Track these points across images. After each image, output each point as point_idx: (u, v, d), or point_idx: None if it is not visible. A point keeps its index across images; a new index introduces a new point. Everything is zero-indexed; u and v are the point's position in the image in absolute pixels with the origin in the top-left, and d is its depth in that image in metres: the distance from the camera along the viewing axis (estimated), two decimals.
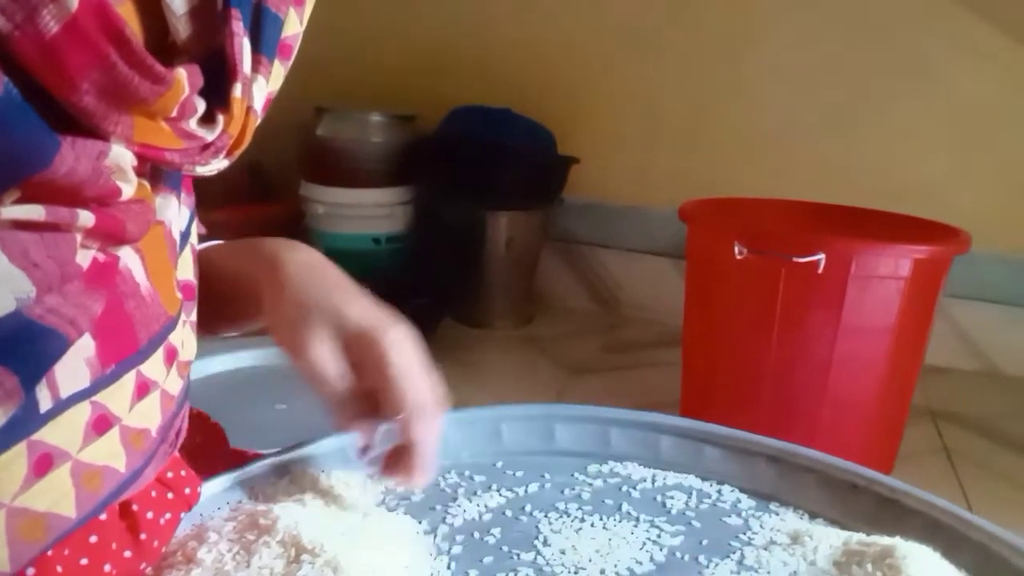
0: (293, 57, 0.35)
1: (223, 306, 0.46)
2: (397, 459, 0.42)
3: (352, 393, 0.41)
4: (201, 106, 0.31)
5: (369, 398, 0.42)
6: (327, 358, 0.41)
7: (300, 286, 0.43)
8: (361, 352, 0.41)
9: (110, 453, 0.33)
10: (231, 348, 1.10)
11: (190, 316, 0.40)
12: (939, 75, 1.57)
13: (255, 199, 1.85)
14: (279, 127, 1.47)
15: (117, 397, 0.33)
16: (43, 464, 0.30)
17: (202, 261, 0.44)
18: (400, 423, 0.41)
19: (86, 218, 0.29)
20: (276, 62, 0.34)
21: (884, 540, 0.40)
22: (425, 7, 1.93)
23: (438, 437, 0.42)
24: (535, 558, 0.41)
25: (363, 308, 0.43)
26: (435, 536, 0.42)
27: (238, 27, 0.31)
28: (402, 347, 0.42)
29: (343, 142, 1.71)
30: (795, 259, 1.06)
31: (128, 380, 0.33)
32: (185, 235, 0.40)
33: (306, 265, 0.44)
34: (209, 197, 0.51)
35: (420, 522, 0.43)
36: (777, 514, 0.46)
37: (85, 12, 0.25)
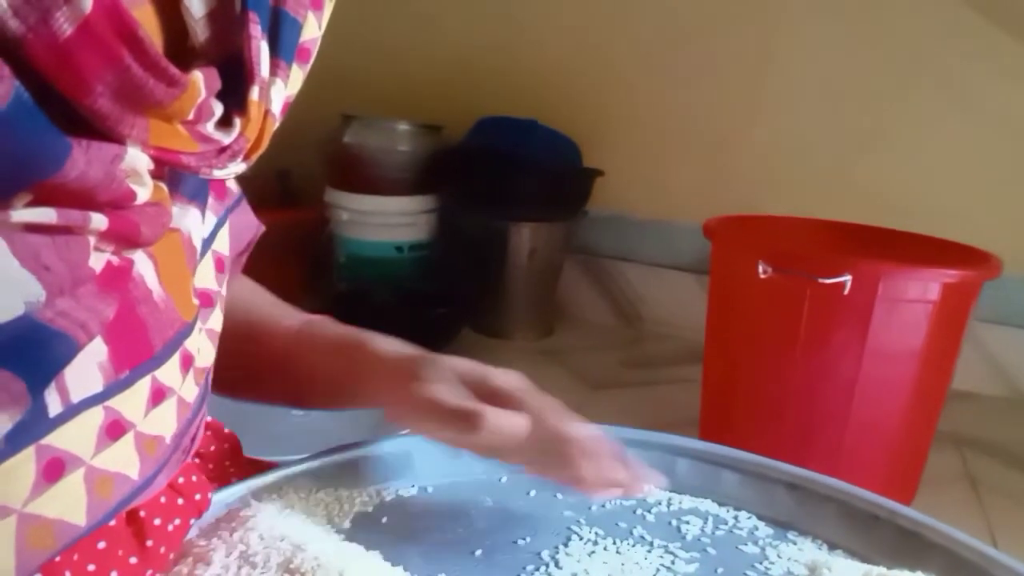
0: (311, 61, 0.35)
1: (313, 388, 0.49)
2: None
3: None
4: (218, 109, 0.31)
5: None
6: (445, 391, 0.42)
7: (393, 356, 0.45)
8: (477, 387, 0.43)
9: (124, 460, 0.33)
10: None
11: (207, 323, 0.40)
12: (969, 95, 1.55)
13: (284, 205, 1.86)
14: (307, 135, 1.49)
15: (131, 403, 0.33)
16: (54, 469, 0.30)
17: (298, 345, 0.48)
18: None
19: (99, 221, 0.28)
20: (294, 66, 0.34)
21: (904, 575, 0.39)
22: (453, 18, 1.94)
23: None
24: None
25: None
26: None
27: (256, 30, 0.31)
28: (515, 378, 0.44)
29: (369, 150, 1.72)
30: (820, 280, 1.05)
31: (143, 386, 0.33)
32: (208, 242, 0.40)
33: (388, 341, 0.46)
34: None
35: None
36: (795, 543, 0.45)
37: (99, 14, 0.24)
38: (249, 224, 0.49)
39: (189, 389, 0.37)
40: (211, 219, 0.41)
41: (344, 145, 1.72)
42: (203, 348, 0.39)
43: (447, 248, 1.81)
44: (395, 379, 0.44)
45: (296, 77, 0.34)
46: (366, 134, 1.73)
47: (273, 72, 0.32)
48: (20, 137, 0.24)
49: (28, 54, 0.24)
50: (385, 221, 1.74)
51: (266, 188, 1.78)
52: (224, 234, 0.42)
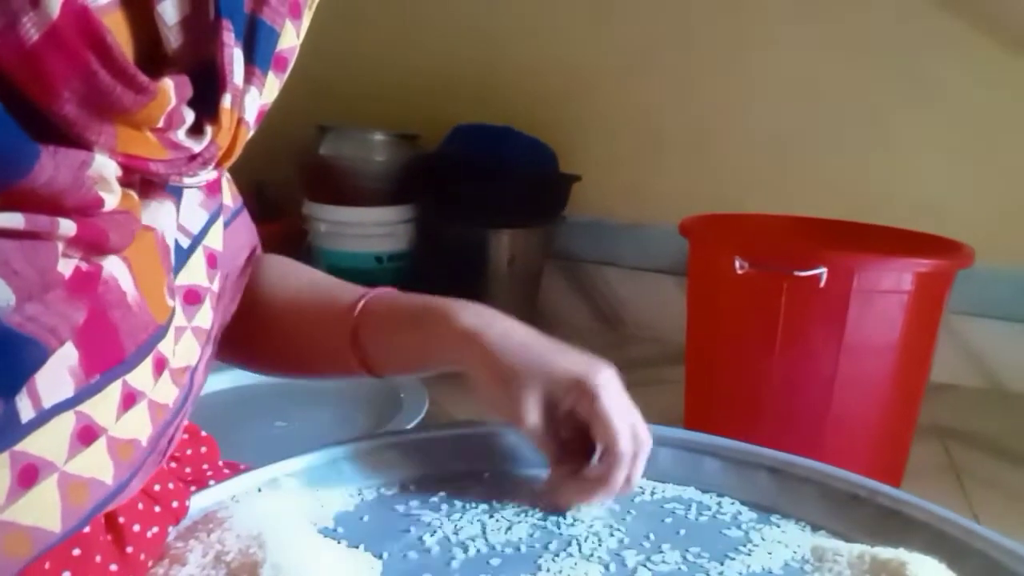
0: (289, 70, 0.35)
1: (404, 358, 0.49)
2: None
3: (566, 446, 0.46)
4: (189, 117, 0.31)
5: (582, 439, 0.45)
6: (538, 422, 0.45)
7: (504, 353, 0.46)
8: (575, 398, 0.45)
9: (97, 464, 0.32)
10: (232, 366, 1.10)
11: (192, 321, 0.39)
12: (941, 89, 1.57)
13: (262, 218, 1.85)
14: (283, 147, 1.48)
15: (102, 407, 0.32)
16: (28, 476, 0.29)
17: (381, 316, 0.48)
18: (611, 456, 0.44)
19: (67, 227, 0.28)
20: (270, 74, 0.34)
21: (888, 552, 0.39)
22: (428, 26, 1.94)
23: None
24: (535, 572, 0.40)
25: (567, 359, 0.47)
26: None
27: (229, 38, 0.31)
28: (609, 387, 0.45)
29: (346, 160, 1.71)
30: (796, 273, 1.06)
31: (113, 390, 0.33)
32: (199, 237, 0.40)
33: (503, 333, 0.48)
34: None
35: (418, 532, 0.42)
36: (778, 526, 0.45)
37: (66, 20, 0.25)
38: (249, 239, 0.49)
39: (164, 392, 0.37)
40: (202, 215, 0.40)
41: (320, 156, 1.72)
42: (181, 349, 0.39)
43: (427, 257, 1.81)
44: (478, 358, 0.46)
45: (272, 85, 0.34)
46: (342, 145, 1.72)
47: (248, 80, 0.32)
48: None
49: None
50: (364, 232, 1.73)
51: (243, 201, 1.77)
52: (218, 231, 0.42)
